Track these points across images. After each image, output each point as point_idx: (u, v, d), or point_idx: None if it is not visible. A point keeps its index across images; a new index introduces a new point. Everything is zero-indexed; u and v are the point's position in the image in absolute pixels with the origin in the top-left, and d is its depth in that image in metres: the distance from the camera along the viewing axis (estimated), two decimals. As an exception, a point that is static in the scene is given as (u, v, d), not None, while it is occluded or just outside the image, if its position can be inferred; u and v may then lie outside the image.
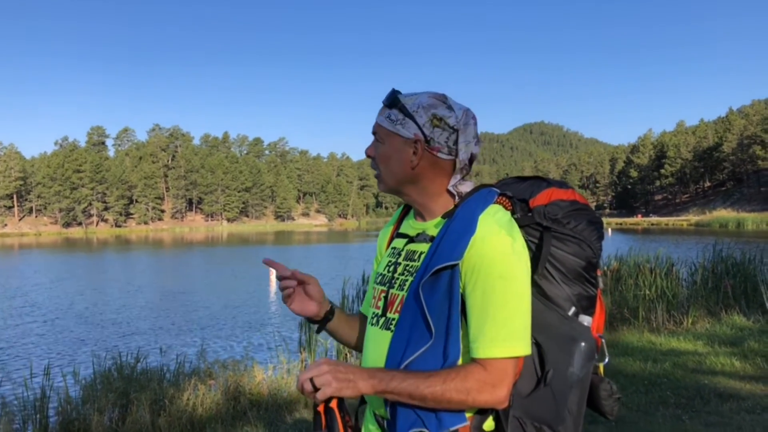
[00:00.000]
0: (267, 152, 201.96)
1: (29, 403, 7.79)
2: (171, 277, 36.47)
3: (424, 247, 1.82)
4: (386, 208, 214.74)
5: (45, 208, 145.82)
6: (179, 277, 36.14)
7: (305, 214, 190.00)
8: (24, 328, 18.92)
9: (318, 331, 2.16)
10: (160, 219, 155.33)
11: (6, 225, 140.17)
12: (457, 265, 1.67)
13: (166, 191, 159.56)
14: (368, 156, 1.93)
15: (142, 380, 8.47)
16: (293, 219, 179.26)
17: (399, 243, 1.96)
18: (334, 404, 1.68)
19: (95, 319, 20.63)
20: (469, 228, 1.69)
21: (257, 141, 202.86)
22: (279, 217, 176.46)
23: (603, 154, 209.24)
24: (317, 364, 1.67)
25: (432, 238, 1.81)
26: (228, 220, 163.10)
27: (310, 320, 2.09)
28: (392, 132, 1.81)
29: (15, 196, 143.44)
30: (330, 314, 2.09)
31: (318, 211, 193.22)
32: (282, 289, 2.03)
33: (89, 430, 7.32)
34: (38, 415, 7.69)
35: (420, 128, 1.79)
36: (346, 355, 9.38)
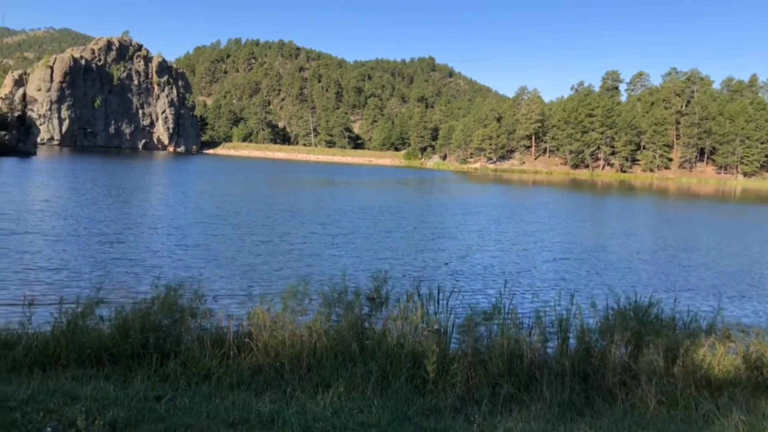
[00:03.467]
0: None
1: (555, 320, 8.88)
2: (673, 229, 35.27)
3: None
4: None
5: (557, 150, 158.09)
6: (683, 230, 34.63)
7: None
8: (549, 259, 21.27)
9: None
10: (666, 167, 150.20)
11: (524, 162, 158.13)
12: None
13: (676, 139, 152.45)
14: None
15: (655, 325, 8.60)
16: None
17: None
18: None
19: (603, 257, 21.73)
20: None
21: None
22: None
23: None
24: None
25: None
26: (744, 174, 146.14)
27: None
28: None
29: (533, 137, 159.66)
30: None
31: None
32: None
33: (605, 359, 7.90)
34: (561, 333, 8.73)
35: None
36: None
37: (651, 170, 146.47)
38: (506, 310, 8.95)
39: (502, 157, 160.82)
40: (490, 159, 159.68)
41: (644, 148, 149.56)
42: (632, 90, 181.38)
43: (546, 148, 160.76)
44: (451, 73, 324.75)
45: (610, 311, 8.96)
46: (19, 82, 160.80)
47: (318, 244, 21.56)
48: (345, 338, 8.18)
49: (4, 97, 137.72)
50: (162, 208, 31.70)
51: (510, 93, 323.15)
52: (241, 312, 9.42)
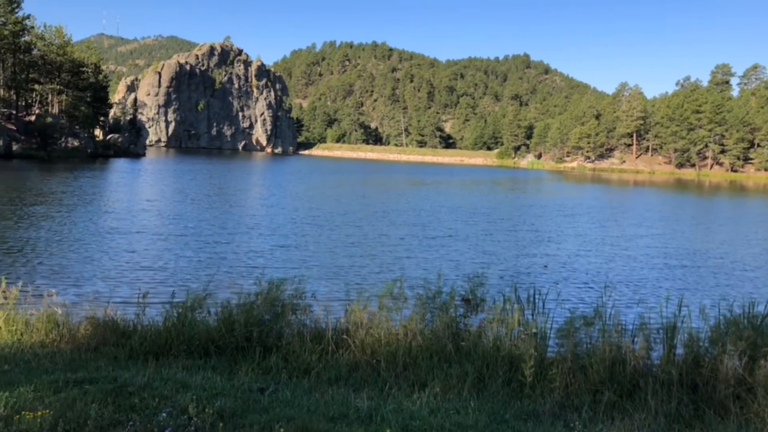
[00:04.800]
0: None
1: (661, 327, 8.47)
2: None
3: None
4: None
5: (660, 148, 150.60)
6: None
7: None
8: (653, 264, 20.35)
9: None
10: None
11: (624, 161, 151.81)
12: None
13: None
14: None
15: (774, 335, 8.02)
16: None
17: None
18: None
19: (713, 263, 20.53)
20: None
21: None
22: None
23: None
24: None
25: None
26: None
27: None
28: None
29: (634, 135, 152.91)
30: None
31: None
32: None
33: (716, 370, 7.44)
34: (667, 341, 8.32)
35: None
36: None
37: (766, 170, 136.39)
38: (608, 315, 8.62)
39: (601, 156, 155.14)
40: (587, 158, 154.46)
41: (759, 146, 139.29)
42: (746, 84, 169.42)
43: (648, 146, 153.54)
44: (546, 70, 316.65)
45: (721, 319, 8.45)
46: (131, 88, 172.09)
47: (411, 246, 21.66)
48: (440, 338, 8.18)
49: (117, 102, 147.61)
50: (260, 208, 32.92)
51: (609, 90, 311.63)
52: (338, 309, 9.63)
